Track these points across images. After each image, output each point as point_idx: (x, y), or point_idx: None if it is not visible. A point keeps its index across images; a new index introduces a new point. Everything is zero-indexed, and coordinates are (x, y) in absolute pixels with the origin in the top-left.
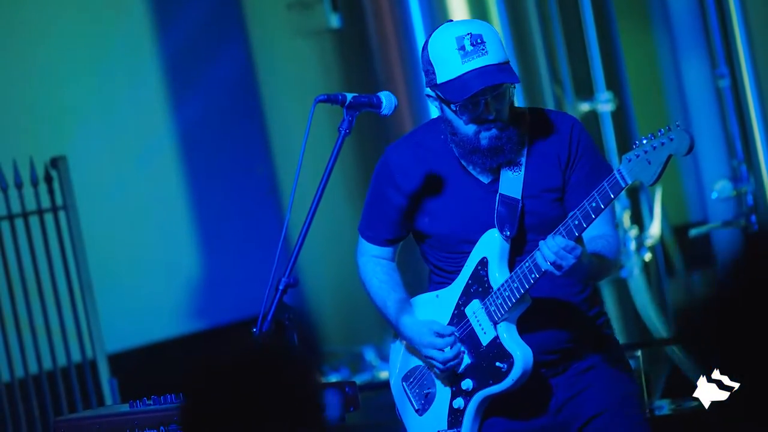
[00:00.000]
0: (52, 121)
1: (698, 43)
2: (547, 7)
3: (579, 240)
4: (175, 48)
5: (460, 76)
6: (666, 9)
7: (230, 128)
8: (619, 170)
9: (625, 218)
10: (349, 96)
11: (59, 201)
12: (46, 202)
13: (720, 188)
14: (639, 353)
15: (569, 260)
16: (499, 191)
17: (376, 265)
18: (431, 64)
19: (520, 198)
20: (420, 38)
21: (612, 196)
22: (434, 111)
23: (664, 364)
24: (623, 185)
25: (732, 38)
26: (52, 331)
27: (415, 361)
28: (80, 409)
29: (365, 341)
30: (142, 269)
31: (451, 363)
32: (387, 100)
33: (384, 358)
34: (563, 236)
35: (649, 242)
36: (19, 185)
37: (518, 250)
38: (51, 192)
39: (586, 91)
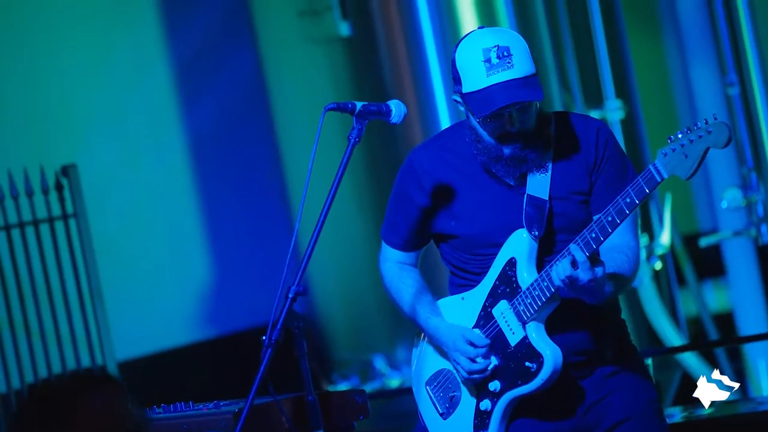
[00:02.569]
0: (63, 129)
1: (708, 51)
2: (556, 15)
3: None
4: (186, 55)
5: (483, 89)
6: (675, 17)
7: (240, 136)
8: (654, 165)
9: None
10: (359, 104)
11: (70, 209)
12: (56, 210)
13: (730, 197)
14: (650, 361)
15: (578, 283)
16: (527, 192)
17: (401, 270)
18: (458, 73)
19: (547, 199)
20: (429, 46)
21: (647, 191)
22: (445, 121)
23: (675, 372)
24: (659, 180)
25: (741, 46)
26: (62, 339)
27: (440, 365)
28: None
29: (375, 349)
30: (152, 277)
31: (478, 375)
32: (396, 108)
33: (393, 365)
34: (582, 250)
35: (659, 251)
36: (29, 193)
37: (547, 251)
38: (61, 200)
39: (595, 99)
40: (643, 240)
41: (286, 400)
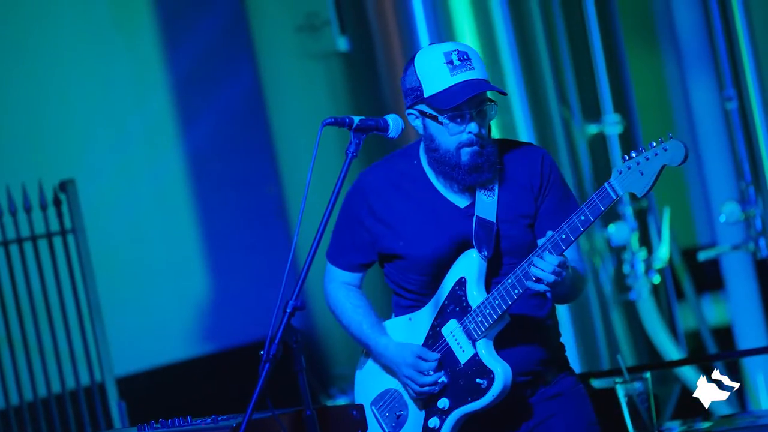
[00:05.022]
0: (61, 145)
1: (706, 65)
2: (554, 29)
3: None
4: (184, 71)
5: (449, 88)
6: (674, 31)
7: (238, 151)
8: (609, 183)
9: (634, 241)
10: (357, 119)
11: (68, 224)
12: (55, 226)
13: (728, 211)
14: (648, 375)
15: (562, 276)
16: (476, 214)
17: (348, 291)
18: (419, 81)
19: (495, 221)
20: None
21: (602, 208)
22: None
23: (673, 386)
24: (613, 197)
25: (739, 60)
26: (60, 354)
27: (386, 385)
28: None
29: None
30: (151, 292)
31: (430, 388)
32: (394, 123)
33: None
34: (551, 252)
35: (657, 265)
36: (28, 209)
37: (493, 273)
38: (60, 215)
39: (593, 113)
40: (642, 254)
41: (284, 415)
